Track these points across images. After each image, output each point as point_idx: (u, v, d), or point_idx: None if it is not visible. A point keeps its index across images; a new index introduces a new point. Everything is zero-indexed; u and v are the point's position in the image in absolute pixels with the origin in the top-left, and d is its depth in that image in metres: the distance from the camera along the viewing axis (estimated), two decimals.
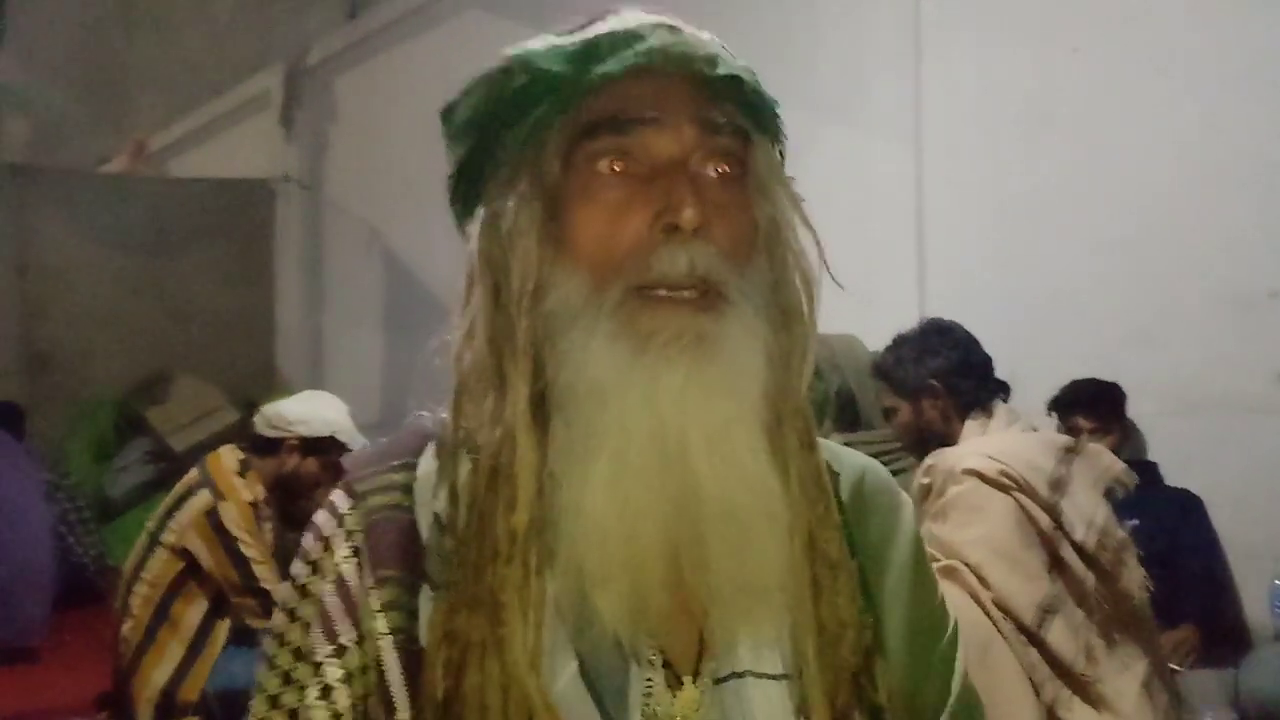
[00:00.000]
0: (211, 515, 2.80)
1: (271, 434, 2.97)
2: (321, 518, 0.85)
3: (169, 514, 2.85)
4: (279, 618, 0.83)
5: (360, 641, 0.79)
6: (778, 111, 0.85)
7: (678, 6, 0.82)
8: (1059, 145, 3.54)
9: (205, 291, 6.53)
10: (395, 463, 0.85)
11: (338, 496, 0.86)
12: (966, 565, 1.95)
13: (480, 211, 0.84)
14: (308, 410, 2.99)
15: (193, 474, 2.94)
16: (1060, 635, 1.91)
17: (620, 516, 0.75)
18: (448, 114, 0.84)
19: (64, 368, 6.14)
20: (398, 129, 5.80)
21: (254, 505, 2.87)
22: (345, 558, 0.82)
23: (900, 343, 2.38)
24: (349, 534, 0.83)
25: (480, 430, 0.80)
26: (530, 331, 0.79)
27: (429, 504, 0.82)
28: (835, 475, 0.88)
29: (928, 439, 2.29)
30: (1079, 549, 2.00)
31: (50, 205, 6.20)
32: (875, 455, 0.97)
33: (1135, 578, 2.05)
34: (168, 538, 2.81)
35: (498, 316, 0.80)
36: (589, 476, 0.76)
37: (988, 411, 2.26)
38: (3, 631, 3.24)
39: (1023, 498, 2.01)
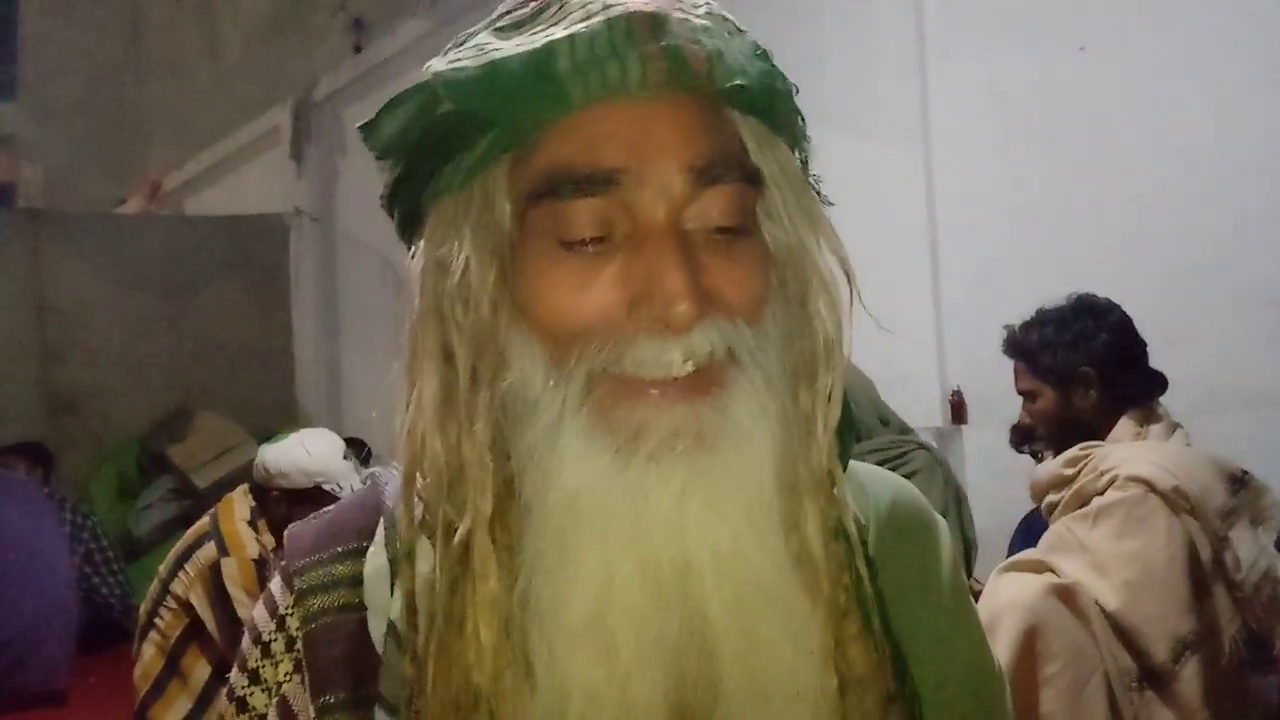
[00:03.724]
0: (215, 571, 2.72)
1: (260, 481, 2.86)
2: (260, 615, 0.73)
3: (179, 562, 2.81)
4: None
5: None
6: (796, 105, 0.68)
7: None
8: (1071, 146, 3.50)
9: (223, 327, 6.56)
10: (340, 549, 0.72)
11: (276, 588, 0.73)
12: (1112, 580, 1.76)
13: (421, 246, 0.68)
14: (287, 462, 2.81)
15: (204, 522, 2.88)
16: (1192, 676, 1.71)
17: (610, 676, 0.61)
18: (367, 132, 0.70)
19: (85, 408, 6.16)
20: None
21: (259, 562, 2.76)
22: (288, 674, 0.70)
23: (1045, 321, 2.10)
24: (289, 642, 0.71)
25: (438, 524, 0.65)
26: (490, 415, 0.64)
27: (383, 606, 0.69)
28: (862, 529, 0.73)
29: (1072, 431, 2.03)
30: (1234, 589, 1.79)
31: (67, 248, 6.24)
32: (880, 464, 0.89)
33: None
34: (177, 587, 2.76)
35: (451, 388, 0.65)
36: (563, 624, 0.61)
37: (1150, 413, 2.00)
38: (27, 675, 3.24)
39: (1192, 522, 1.79)
